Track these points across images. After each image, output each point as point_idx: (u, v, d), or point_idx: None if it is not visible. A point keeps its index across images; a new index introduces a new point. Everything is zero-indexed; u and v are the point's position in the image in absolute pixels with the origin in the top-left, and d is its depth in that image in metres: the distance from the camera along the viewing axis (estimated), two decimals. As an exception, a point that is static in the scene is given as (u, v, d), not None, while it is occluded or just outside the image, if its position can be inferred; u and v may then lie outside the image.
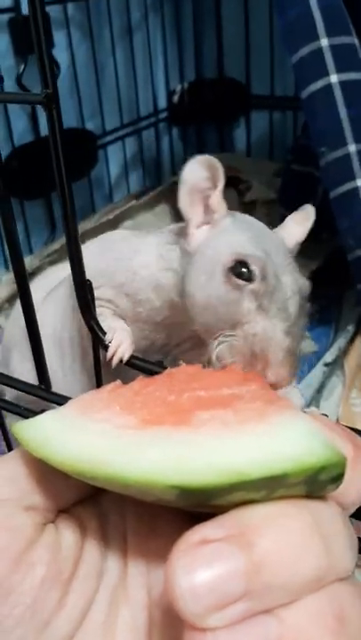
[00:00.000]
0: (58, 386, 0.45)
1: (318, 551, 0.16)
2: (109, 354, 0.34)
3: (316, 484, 0.17)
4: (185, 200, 0.35)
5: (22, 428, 0.21)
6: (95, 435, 0.19)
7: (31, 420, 0.21)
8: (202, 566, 0.15)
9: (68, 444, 0.19)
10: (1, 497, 0.20)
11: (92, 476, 0.18)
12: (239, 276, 0.32)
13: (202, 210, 0.36)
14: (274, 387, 0.30)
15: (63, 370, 0.46)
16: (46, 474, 0.20)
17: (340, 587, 0.17)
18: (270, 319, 0.31)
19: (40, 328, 0.46)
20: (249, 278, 0.32)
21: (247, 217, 0.37)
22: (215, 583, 0.15)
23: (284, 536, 0.16)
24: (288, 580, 0.16)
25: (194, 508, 0.18)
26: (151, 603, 0.20)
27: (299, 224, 0.39)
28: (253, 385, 0.20)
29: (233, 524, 0.16)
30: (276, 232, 0.37)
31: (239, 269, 0.32)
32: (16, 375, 0.45)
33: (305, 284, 0.34)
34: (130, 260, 0.39)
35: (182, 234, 0.37)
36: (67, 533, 0.21)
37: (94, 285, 0.35)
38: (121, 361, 0.34)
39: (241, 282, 0.32)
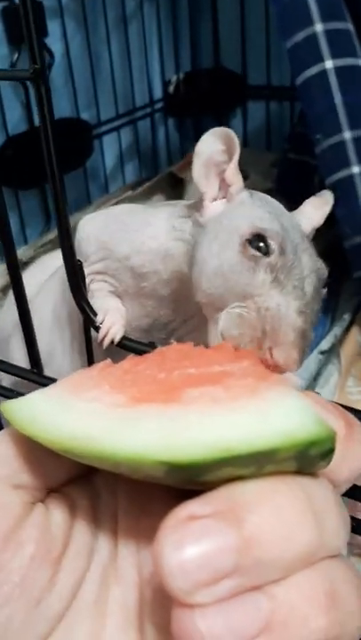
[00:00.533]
0: (58, 363, 0.45)
1: (310, 527, 0.16)
2: (100, 335, 0.34)
3: (306, 459, 0.17)
4: (200, 173, 0.34)
5: (12, 407, 0.20)
6: (84, 413, 0.19)
7: (20, 398, 0.21)
8: (190, 542, 0.15)
9: (56, 423, 0.19)
10: None
11: (81, 453, 0.18)
12: (257, 249, 0.30)
13: (217, 183, 0.35)
14: (279, 370, 0.28)
15: (63, 347, 0.45)
16: (36, 453, 0.20)
17: (331, 563, 0.17)
18: (285, 295, 0.29)
19: (40, 307, 0.45)
20: (266, 252, 0.30)
21: (264, 195, 0.36)
22: (204, 559, 0.15)
23: (275, 511, 0.16)
24: (279, 556, 0.16)
25: (184, 485, 0.18)
26: (142, 581, 0.20)
27: (317, 208, 0.38)
28: (245, 362, 0.20)
29: (222, 500, 0.16)
30: (293, 215, 0.37)
31: (257, 242, 0.30)
32: (15, 362, 0.45)
33: (323, 267, 0.33)
34: (137, 231, 0.38)
35: (196, 207, 0.36)
36: (56, 512, 0.21)
37: (95, 258, 0.35)
38: (112, 342, 0.34)
39: (258, 254, 0.30)
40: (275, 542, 0.16)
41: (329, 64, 0.60)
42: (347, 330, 0.69)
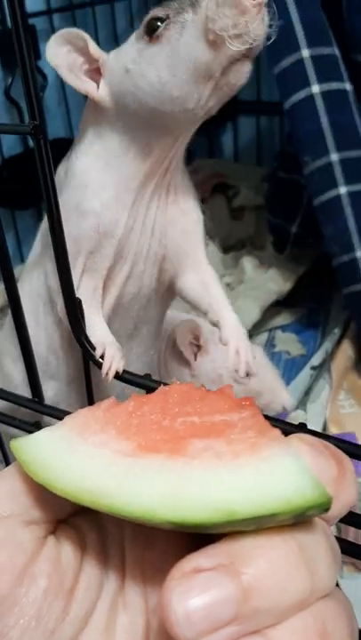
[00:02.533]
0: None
1: (303, 577, 0.18)
2: (104, 369, 0.35)
3: (302, 518, 0.18)
4: (70, 79, 0.38)
5: (20, 447, 0.21)
6: (93, 462, 0.20)
7: (29, 438, 0.22)
8: (195, 594, 0.17)
9: (66, 473, 0.20)
10: (3, 514, 0.21)
11: (92, 506, 0.19)
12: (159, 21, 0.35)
13: (88, 75, 0.38)
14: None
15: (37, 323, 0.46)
16: (45, 488, 0.21)
17: (322, 604, 0.18)
18: None
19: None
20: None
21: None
22: (208, 609, 0.17)
23: (271, 565, 0.18)
24: (275, 604, 0.17)
25: (190, 531, 0.19)
26: (148, 609, 0.21)
27: None
28: (245, 412, 0.21)
29: (223, 554, 0.18)
30: None
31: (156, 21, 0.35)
32: (9, 377, 0.46)
33: None
34: (83, 192, 0.40)
35: (95, 113, 0.40)
36: (67, 545, 0.21)
37: (72, 257, 0.36)
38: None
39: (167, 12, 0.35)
40: (271, 593, 0.17)
41: (316, 88, 0.62)
42: (337, 344, 0.71)
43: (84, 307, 0.35)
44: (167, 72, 0.35)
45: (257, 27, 0.32)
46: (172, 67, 0.35)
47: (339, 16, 0.63)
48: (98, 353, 0.36)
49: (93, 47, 0.38)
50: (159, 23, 0.34)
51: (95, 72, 0.38)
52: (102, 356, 0.36)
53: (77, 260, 0.40)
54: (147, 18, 0.35)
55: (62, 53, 0.37)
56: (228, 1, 0.32)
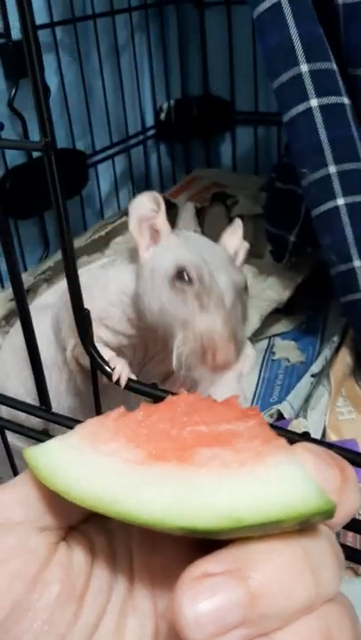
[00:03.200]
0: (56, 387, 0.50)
1: (308, 582, 0.18)
2: (115, 378, 0.37)
3: (307, 524, 0.19)
4: (134, 227, 0.42)
5: (33, 455, 0.22)
6: (105, 470, 0.21)
7: (41, 446, 0.22)
8: (205, 598, 0.17)
9: (78, 480, 0.20)
10: (16, 520, 0.21)
11: (104, 512, 0.20)
12: (182, 281, 0.38)
13: (149, 234, 0.42)
14: (223, 368, 0.37)
15: (53, 384, 0.49)
16: (56, 495, 0.21)
17: (327, 608, 0.19)
18: (210, 315, 0.37)
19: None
20: (190, 282, 0.38)
21: (190, 233, 0.44)
22: (217, 613, 0.17)
23: (277, 570, 0.18)
24: (281, 609, 0.18)
25: (198, 537, 0.20)
26: (157, 613, 0.22)
27: (232, 235, 0.46)
28: (251, 421, 0.22)
29: (231, 560, 0.18)
30: (216, 244, 0.44)
31: (181, 276, 0.39)
32: (15, 383, 0.48)
33: (239, 278, 0.40)
34: (101, 298, 0.45)
35: (132, 257, 0.44)
36: (78, 550, 0.22)
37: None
38: (118, 382, 0.37)
39: (184, 285, 0.38)
40: (277, 597, 0.18)
41: (314, 102, 0.63)
42: (336, 351, 0.72)
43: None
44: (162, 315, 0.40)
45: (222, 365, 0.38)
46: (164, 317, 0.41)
47: (336, 32, 0.64)
48: (112, 364, 0.37)
49: (163, 219, 0.42)
50: (186, 277, 0.39)
51: (156, 235, 0.43)
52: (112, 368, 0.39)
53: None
54: (180, 265, 0.40)
55: (145, 207, 0.42)
56: (196, 356, 0.37)
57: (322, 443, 0.29)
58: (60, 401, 0.49)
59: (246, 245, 0.47)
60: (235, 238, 0.46)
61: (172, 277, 0.39)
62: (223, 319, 0.37)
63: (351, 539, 0.47)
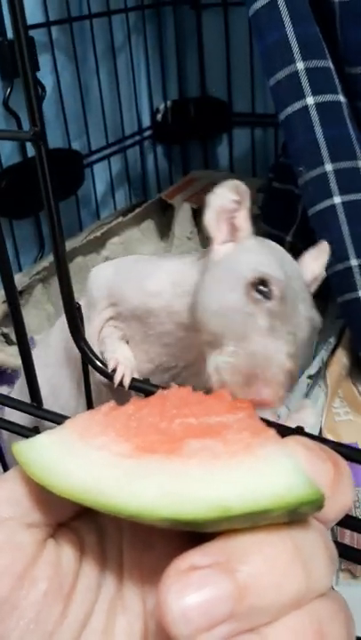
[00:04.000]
0: (64, 399, 0.48)
1: (298, 575, 0.18)
2: (117, 379, 0.36)
3: (296, 514, 0.19)
4: (212, 218, 0.36)
5: (22, 450, 0.22)
6: (93, 464, 0.20)
7: (30, 441, 0.22)
8: (192, 592, 0.17)
9: (67, 474, 0.20)
10: (4, 516, 0.21)
11: (90, 505, 0.20)
12: (259, 292, 0.32)
13: (227, 229, 0.37)
14: (266, 404, 0.29)
15: (70, 385, 0.47)
16: (45, 491, 0.21)
17: (319, 603, 0.18)
18: (277, 340, 0.31)
19: (53, 343, 0.48)
20: (268, 296, 0.32)
21: (271, 242, 0.38)
22: (204, 607, 0.17)
23: (267, 562, 0.18)
24: (270, 602, 0.17)
25: (185, 529, 0.20)
26: (146, 612, 0.21)
27: (315, 259, 0.41)
28: (241, 413, 0.22)
29: (219, 552, 0.18)
30: (296, 264, 0.38)
31: (260, 286, 0.32)
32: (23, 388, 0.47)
33: (317, 318, 0.34)
34: (141, 286, 0.40)
35: (204, 255, 0.39)
36: (66, 548, 0.22)
37: (105, 304, 0.37)
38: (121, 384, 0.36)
39: (260, 297, 0.32)
40: (267, 590, 0.17)
41: (310, 100, 0.63)
42: (332, 352, 0.71)
43: (107, 340, 0.35)
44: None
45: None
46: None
47: (333, 30, 0.64)
48: (110, 367, 0.36)
49: (245, 216, 0.37)
50: (265, 290, 0.32)
51: (234, 231, 0.37)
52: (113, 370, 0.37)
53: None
54: (264, 275, 0.33)
55: (227, 197, 0.36)
56: (239, 377, 0.30)
57: (316, 437, 0.29)
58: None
59: (323, 276, 0.41)
60: (317, 264, 0.41)
61: (249, 284, 0.32)
62: (290, 351, 0.30)
63: (349, 538, 0.46)
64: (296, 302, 0.33)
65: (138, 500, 0.19)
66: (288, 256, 0.37)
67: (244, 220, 0.36)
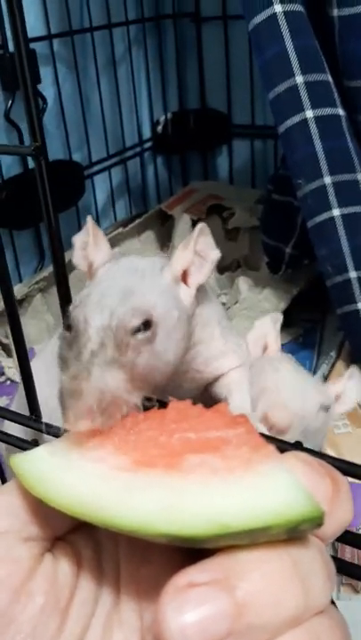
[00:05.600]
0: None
1: (297, 593, 0.18)
2: None
3: (295, 532, 0.19)
4: (76, 257, 0.36)
5: (19, 463, 0.21)
6: (91, 477, 0.20)
7: (28, 453, 0.22)
8: (190, 609, 0.17)
9: (64, 487, 0.20)
10: (0, 529, 0.21)
11: (88, 520, 0.19)
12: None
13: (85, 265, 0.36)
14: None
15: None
16: (43, 504, 0.21)
17: (317, 620, 0.18)
18: (66, 372, 0.27)
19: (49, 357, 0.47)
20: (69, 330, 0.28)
21: (119, 263, 0.34)
22: (202, 625, 0.16)
23: (265, 580, 0.17)
24: (269, 620, 0.17)
25: (183, 546, 0.19)
26: (143, 626, 0.21)
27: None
28: (240, 428, 0.21)
29: (218, 569, 0.18)
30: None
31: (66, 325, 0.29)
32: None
33: (121, 313, 0.29)
34: None
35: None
36: (63, 562, 0.21)
37: None
38: None
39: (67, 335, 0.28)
40: (265, 608, 0.17)
41: (310, 113, 0.63)
42: (333, 365, 0.71)
43: None
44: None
45: None
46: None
47: (331, 44, 0.65)
48: None
49: (91, 250, 0.35)
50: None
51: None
52: None
53: None
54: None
55: (80, 237, 0.36)
56: None
57: (314, 452, 0.28)
58: None
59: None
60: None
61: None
62: (72, 372, 0.26)
63: (349, 554, 0.46)
64: (85, 325, 0.28)
65: (135, 516, 0.19)
66: (121, 276, 0.32)
67: (92, 252, 0.35)
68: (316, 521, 0.18)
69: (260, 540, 0.18)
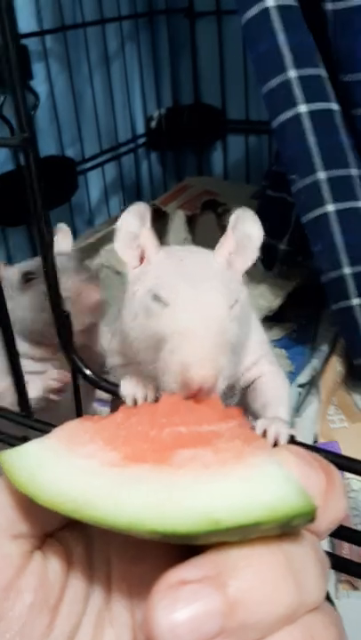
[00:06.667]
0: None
1: (290, 590, 0.17)
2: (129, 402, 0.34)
3: (288, 527, 0.18)
4: (119, 247, 0.36)
5: (7, 459, 0.21)
6: (80, 473, 0.20)
7: (17, 449, 0.22)
8: (181, 607, 0.16)
9: (53, 484, 0.20)
10: None
11: (78, 517, 0.19)
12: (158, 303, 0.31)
13: (136, 253, 0.36)
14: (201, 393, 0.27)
15: None
16: (32, 501, 0.21)
17: (311, 618, 0.18)
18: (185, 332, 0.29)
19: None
20: (166, 304, 0.31)
21: (176, 248, 0.38)
22: (194, 623, 0.16)
23: (258, 577, 0.17)
24: (262, 618, 0.17)
25: (175, 542, 0.19)
26: (135, 624, 0.21)
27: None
28: (232, 422, 0.21)
29: (209, 566, 0.17)
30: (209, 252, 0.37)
31: (157, 299, 0.31)
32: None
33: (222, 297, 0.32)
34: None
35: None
36: (53, 559, 0.21)
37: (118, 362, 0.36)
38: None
39: (159, 308, 0.31)
40: (257, 605, 0.17)
41: (303, 108, 0.63)
42: (326, 360, 0.71)
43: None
44: None
45: None
46: None
47: (326, 38, 0.64)
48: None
49: (147, 235, 0.36)
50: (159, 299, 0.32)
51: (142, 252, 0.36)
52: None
53: None
54: (153, 289, 0.32)
55: (129, 223, 0.36)
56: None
57: (308, 446, 0.28)
58: None
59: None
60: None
61: (149, 303, 0.32)
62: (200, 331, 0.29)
63: (347, 550, 0.46)
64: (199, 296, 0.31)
65: (125, 512, 0.18)
66: (191, 254, 0.37)
67: (146, 239, 0.36)
68: (309, 516, 0.18)
69: (252, 536, 0.18)
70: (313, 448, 0.30)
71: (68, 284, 0.44)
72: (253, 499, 0.18)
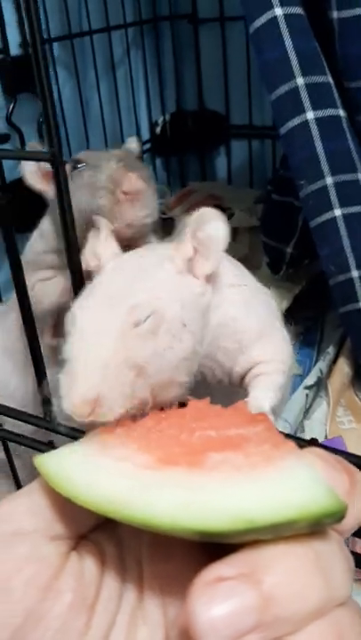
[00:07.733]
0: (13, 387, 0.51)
1: (320, 585, 0.18)
2: None
3: (318, 526, 0.19)
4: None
5: (44, 462, 0.22)
6: (116, 475, 0.21)
7: (53, 453, 0.23)
8: (219, 603, 0.17)
9: (91, 485, 0.21)
10: (28, 529, 0.22)
11: (116, 517, 0.20)
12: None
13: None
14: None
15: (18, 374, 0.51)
16: (67, 503, 0.22)
17: (339, 612, 0.19)
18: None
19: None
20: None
21: (139, 252, 0.36)
22: (231, 617, 0.17)
23: (290, 573, 0.18)
24: (294, 612, 0.18)
25: (211, 541, 0.20)
26: (167, 621, 0.22)
27: None
28: (260, 426, 0.22)
29: (244, 563, 0.18)
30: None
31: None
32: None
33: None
34: None
35: None
36: (88, 559, 0.22)
37: None
38: None
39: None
40: (290, 600, 0.18)
41: (310, 115, 0.64)
42: (334, 361, 0.72)
43: None
44: None
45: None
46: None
47: (331, 45, 0.65)
48: None
49: (102, 244, 0.36)
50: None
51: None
52: None
53: None
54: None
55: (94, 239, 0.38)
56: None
57: (329, 449, 0.29)
58: None
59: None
60: None
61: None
62: None
63: (359, 547, 0.47)
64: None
65: (162, 512, 0.19)
66: (138, 264, 0.34)
67: (101, 248, 0.35)
68: (339, 515, 0.19)
69: (283, 535, 0.19)
70: (334, 450, 0.31)
71: (110, 170, 0.45)
72: (286, 499, 0.19)
